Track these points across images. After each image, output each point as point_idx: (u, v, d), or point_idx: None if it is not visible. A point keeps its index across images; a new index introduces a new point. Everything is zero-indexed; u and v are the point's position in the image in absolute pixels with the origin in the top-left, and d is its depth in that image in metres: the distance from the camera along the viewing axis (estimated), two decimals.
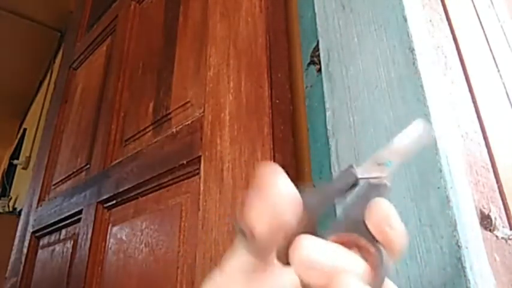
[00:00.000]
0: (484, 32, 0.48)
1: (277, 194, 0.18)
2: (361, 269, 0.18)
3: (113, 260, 0.64)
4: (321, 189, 0.20)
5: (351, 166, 0.20)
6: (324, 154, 0.32)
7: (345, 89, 0.39)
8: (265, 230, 0.18)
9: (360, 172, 0.21)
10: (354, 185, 0.20)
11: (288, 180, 0.18)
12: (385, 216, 0.19)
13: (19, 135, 3.17)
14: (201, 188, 0.49)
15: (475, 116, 0.38)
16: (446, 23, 0.41)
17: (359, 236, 0.19)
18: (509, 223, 0.33)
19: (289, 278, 0.19)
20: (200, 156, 0.51)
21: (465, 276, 0.26)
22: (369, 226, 0.19)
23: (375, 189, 0.20)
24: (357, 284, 0.17)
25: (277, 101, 0.46)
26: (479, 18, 0.48)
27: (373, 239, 0.19)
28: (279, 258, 0.20)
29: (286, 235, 0.19)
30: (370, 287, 0.17)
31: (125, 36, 0.88)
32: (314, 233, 0.19)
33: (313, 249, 0.18)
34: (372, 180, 0.20)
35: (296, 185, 0.19)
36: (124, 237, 0.64)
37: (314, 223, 0.20)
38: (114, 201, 0.69)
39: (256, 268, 0.19)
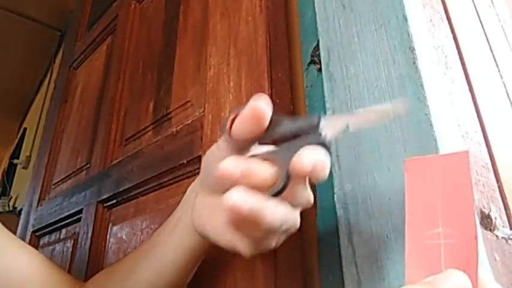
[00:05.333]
0: (484, 31, 0.48)
1: (253, 108, 0.27)
2: (265, 171, 0.27)
3: (113, 260, 0.64)
4: (289, 119, 0.28)
5: (319, 116, 0.27)
6: None
7: (345, 88, 0.39)
8: (239, 133, 0.28)
9: (322, 123, 0.27)
10: (313, 128, 0.27)
11: (266, 101, 0.27)
12: (298, 160, 0.26)
13: (19, 135, 3.17)
14: None
15: (475, 115, 0.38)
16: (446, 22, 0.41)
17: (282, 160, 0.27)
18: (509, 223, 0.33)
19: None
20: (200, 156, 0.51)
21: None
22: (293, 158, 0.26)
23: (318, 137, 0.27)
24: (240, 191, 0.25)
25: (278, 101, 0.46)
26: (479, 18, 0.48)
27: (287, 163, 0.26)
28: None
29: (255, 138, 0.28)
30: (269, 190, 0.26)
31: (125, 36, 0.88)
32: (270, 142, 0.29)
33: (234, 160, 0.27)
34: (323, 133, 0.27)
35: None
36: (124, 237, 0.64)
37: (274, 136, 0.28)
38: (114, 201, 0.69)
39: (232, 152, 0.30)
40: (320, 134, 0.27)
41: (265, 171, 0.27)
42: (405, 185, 0.22)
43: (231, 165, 0.27)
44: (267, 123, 0.28)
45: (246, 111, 0.28)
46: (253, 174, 0.27)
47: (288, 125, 0.28)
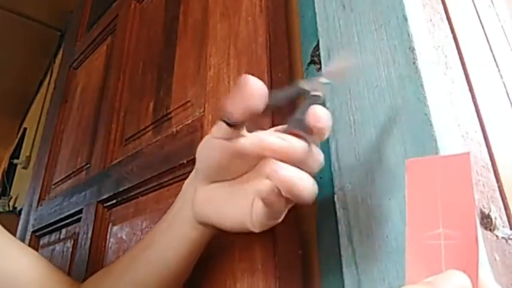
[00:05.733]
0: (484, 31, 0.48)
1: (249, 87, 0.28)
2: (300, 146, 0.29)
3: (113, 259, 0.64)
4: (280, 91, 0.31)
5: (300, 83, 0.31)
6: (323, 154, 0.32)
7: (345, 88, 0.39)
8: (239, 114, 0.29)
9: (308, 87, 0.30)
10: (303, 94, 0.30)
11: (259, 80, 0.28)
12: (315, 115, 0.28)
13: (19, 135, 3.17)
14: None
15: (475, 115, 0.38)
16: (446, 22, 0.41)
17: (300, 129, 0.29)
18: (509, 223, 0.33)
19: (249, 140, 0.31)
20: None
21: None
22: (307, 122, 0.29)
23: (315, 99, 0.30)
24: (283, 165, 0.27)
25: None
26: (479, 18, 0.48)
27: (309, 131, 0.29)
28: (247, 129, 0.32)
29: (253, 116, 0.29)
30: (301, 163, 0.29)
31: (125, 36, 0.88)
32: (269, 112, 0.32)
33: (264, 134, 0.30)
34: (313, 93, 0.30)
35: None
36: (124, 237, 0.64)
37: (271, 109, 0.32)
38: (114, 201, 0.69)
39: (231, 136, 0.31)
40: (314, 95, 0.30)
41: (299, 144, 0.29)
42: (406, 185, 0.22)
43: (275, 138, 0.28)
44: (262, 96, 0.29)
45: (240, 89, 0.29)
46: (295, 146, 0.28)
47: (278, 95, 0.30)
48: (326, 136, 0.30)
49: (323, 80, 0.31)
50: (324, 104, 0.30)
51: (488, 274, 0.27)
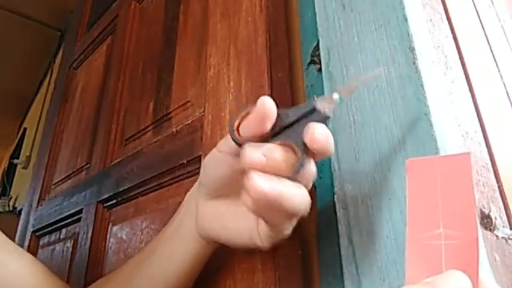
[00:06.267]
0: (484, 31, 0.48)
1: (265, 112, 0.28)
2: (289, 159, 0.28)
3: (113, 260, 0.64)
4: (291, 109, 0.30)
5: (313, 99, 0.30)
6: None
7: None
8: (249, 136, 0.29)
9: (318, 103, 0.30)
10: (312, 110, 0.30)
11: (272, 102, 0.29)
12: (312, 135, 0.28)
13: (19, 135, 3.17)
14: None
15: (475, 115, 0.38)
16: (446, 22, 0.41)
17: (294, 143, 0.29)
18: (509, 223, 0.33)
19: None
20: (200, 156, 0.51)
21: None
22: (304, 138, 0.28)
23: (319, 116, 0.29)
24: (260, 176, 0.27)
25: (278, 101, 0.45)
26: (479, 18, 0.48)
27: (303, 147, 0.28)
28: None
29: (262, 137, 0.29)
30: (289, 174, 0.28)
31: (125, 36, 0.88)
32: (279, 132, 0.30)
33: (254, 148, 0.28)
34: (324, 112, 0.29)
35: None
36: (124, 237, 0.64)
37: (278, 130, 0.30)
38: (114, 201, 0.69)
39: (237, 152, 0.30)
40: (320, 113, 0.29)
41: (284, 156, 0.28)
42: (406, 185, 0.22)
43: (254, 153, 0.28)
44: (273, 121, 0.29)
45: (255, 113, 0.29)
46: (276, 159, 0.28)
47: (289, 116, 0.30)
48: (324, 157, 0.29)
49: (335, 96, 0.30)
50: (327, 125, 0.29)
51: (489, 275, 0.27)
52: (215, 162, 0.34)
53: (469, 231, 0.19)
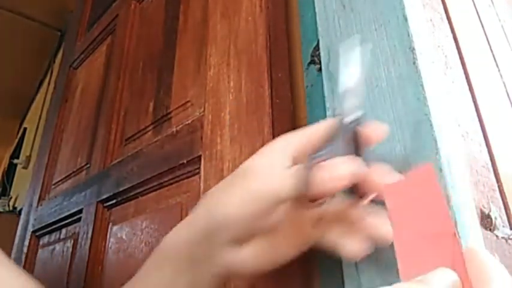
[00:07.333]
0: (484, 31, 0.48)
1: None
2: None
3: (113, 259, 0.64)
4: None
5: (341, 117, 0.29)
6: None
7: None
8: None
9: (346, 116, 0.29)
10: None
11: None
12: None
13: (19, 135, 3.17)
14: (201, 188, 0.49)
15: (476, 115, 0.38)
16: (446, 22, 0.41)
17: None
18: (509, 223, 0.33)
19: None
20: (200, 156, 0.51)
21: None
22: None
23: (358, 123, 0.29)
24: None
25: (278, 101, 0.46)
26: (479, 18, 0.48)
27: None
28: None
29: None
30: None
31: (125, 36, 0.88)
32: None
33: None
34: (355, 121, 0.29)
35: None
36: (124, 237, 0.64)
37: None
38: (114, 201, 0.69)
39: None
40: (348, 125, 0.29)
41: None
42: (387, 208, 0.24)
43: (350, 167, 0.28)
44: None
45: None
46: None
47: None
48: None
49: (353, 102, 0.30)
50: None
51: (480, 244, 0.28)
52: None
53: (447, 229, 0.21)
